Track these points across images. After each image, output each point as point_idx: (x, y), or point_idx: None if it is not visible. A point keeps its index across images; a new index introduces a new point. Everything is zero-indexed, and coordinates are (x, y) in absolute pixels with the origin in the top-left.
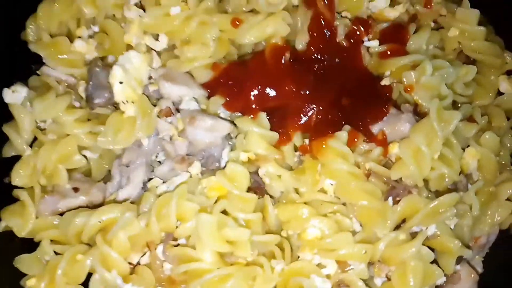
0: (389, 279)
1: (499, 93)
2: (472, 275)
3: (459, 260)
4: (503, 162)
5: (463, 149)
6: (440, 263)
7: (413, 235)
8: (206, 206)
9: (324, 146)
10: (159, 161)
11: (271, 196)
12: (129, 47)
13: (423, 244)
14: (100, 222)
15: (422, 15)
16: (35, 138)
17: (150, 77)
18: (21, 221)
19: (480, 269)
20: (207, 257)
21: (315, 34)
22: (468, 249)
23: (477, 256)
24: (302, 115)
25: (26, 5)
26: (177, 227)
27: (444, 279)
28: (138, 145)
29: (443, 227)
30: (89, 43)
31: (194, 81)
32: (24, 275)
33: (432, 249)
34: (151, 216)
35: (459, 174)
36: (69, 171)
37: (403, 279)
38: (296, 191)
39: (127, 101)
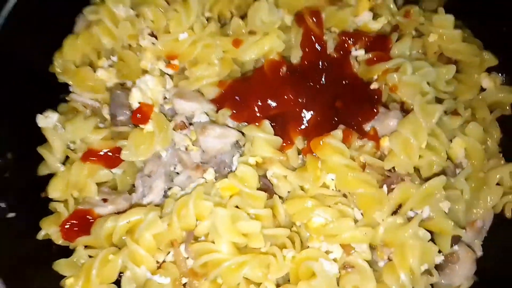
0: (390, 260)
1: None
2: (469, 254)
3: (456, 241)
4: (491, 150)
5: (451, 141)
6: (437, 244)
7: (411, 220)
8: (221, 203)
9: (321, 143)
10: (177, 172)
11: (280, 197)
12: (145, 72)
13: (420, 227)
14: (128, 222)
15: (403, 25)
16: (67, 157)
17: (165, 97)
18: (58, 230)
19: (480, 252)
20: (224, 249)
21: (307, 49)
22: (461, 229)
23: (476, 240)
24: (301, 121)
25: (51, 41)
26: (196, 226)
27: (442, 258)
28: (157, 157)
29: (437, 211)
30: (109, 71)
31: (203, 97)
32: (62, 277)
33: (431, 233)
34: (173, 216)
35: (447, 161)
36: (98, 185)
37: (403, 257)
38: (302, 188)
39: None
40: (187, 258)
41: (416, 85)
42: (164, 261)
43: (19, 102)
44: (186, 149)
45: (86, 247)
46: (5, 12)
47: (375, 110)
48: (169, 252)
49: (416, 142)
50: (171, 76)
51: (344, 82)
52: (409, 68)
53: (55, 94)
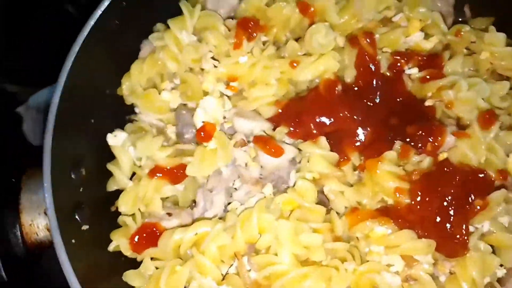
0: (452, 274)
1: None
2: None
3: None
4: None
5: (508, 156)
6: (500, 258)
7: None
8: (283, 217)
9: (378, 172)
10: (235, 188)
11: (337, 213)
12: (205, 93)
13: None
14: (195, 235)
15: (454, 44)
16: (132, 175)
17: (224, 117)
18: (127, 242)
19: None
20: (287, 261)
21: (361, 68)
22: None
23: None
24: (356, 137)
25: (118, 67)
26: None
27: (504, 271)
28: (219, 173)
29: (497, 225)
30: (173, 93)
31: (261, 116)
32: (131, 287)
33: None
34: (237, 228)
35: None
36: (162, 200)
37: (464, 269)
38: (359, 204)
39: None
40: (249, 270)
41: (472, 101)
42: (227, 273)
43: (91, 123)
44: (246, 165)
45: (152, 259)
46: (79, 40)
47: (432, 127)
48: (231, 265)
49: (475, 157)
50: (229, 98)
51: (398, 99)
52: (464, 85)
53: (122, 116)
